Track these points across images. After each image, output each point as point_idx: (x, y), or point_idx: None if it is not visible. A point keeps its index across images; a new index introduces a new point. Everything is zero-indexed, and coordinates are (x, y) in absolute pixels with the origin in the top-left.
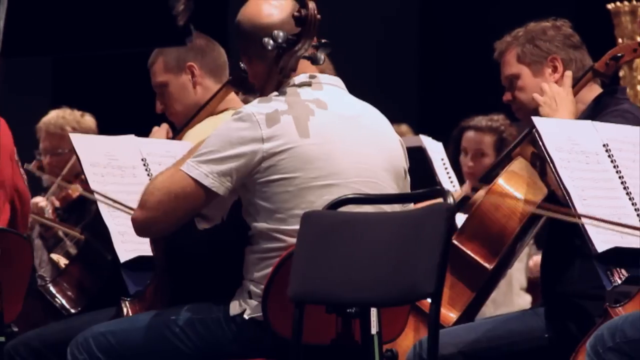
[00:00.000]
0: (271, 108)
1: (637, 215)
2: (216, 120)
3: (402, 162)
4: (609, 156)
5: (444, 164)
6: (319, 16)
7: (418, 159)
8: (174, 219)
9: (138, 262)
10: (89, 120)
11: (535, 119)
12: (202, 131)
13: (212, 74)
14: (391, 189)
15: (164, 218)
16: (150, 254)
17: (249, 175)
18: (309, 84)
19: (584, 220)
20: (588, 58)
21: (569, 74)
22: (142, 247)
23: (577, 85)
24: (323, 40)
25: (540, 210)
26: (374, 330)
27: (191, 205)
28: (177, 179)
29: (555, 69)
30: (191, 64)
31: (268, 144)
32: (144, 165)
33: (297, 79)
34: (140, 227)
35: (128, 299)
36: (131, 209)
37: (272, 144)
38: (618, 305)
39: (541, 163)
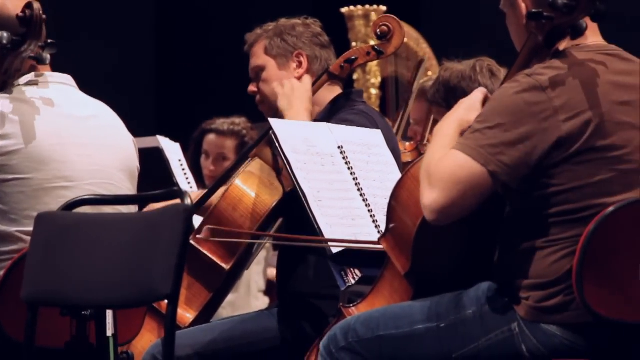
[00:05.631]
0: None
1: (371, 216)
2: None
3: (136, 162)
4: (343, 158)
5: (182, 165)
6: (44, 16)
7: (155, 160)
8: None
9: None
10: None
11: (272, 120)
12: None
13: None
14: (127, 190)
15: None
16: None
17: None
18: (35, 83)
19: (330, 244)
20: (334, 58)
21: (307, 79)
22: None
23: (313, 87)
24: (50, 40)
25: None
26: (109, 332)
27: None
28: None
29: (300, 64)
30: None
31: (2, 141)
32: None
33: (23, 79)
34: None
35: None
36: None
37: (5, 142)
38: (351, 305)
39: (278, 164)
